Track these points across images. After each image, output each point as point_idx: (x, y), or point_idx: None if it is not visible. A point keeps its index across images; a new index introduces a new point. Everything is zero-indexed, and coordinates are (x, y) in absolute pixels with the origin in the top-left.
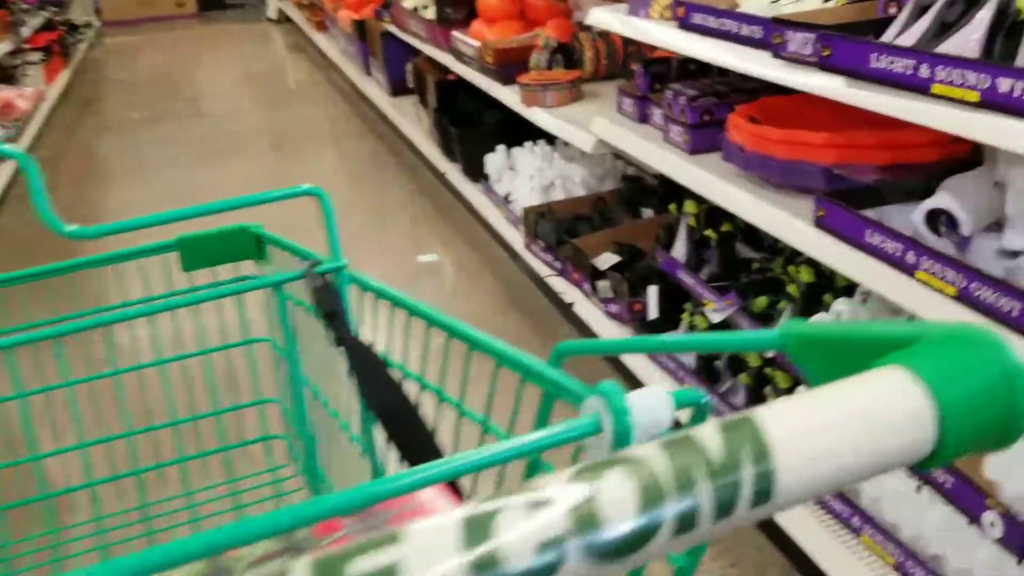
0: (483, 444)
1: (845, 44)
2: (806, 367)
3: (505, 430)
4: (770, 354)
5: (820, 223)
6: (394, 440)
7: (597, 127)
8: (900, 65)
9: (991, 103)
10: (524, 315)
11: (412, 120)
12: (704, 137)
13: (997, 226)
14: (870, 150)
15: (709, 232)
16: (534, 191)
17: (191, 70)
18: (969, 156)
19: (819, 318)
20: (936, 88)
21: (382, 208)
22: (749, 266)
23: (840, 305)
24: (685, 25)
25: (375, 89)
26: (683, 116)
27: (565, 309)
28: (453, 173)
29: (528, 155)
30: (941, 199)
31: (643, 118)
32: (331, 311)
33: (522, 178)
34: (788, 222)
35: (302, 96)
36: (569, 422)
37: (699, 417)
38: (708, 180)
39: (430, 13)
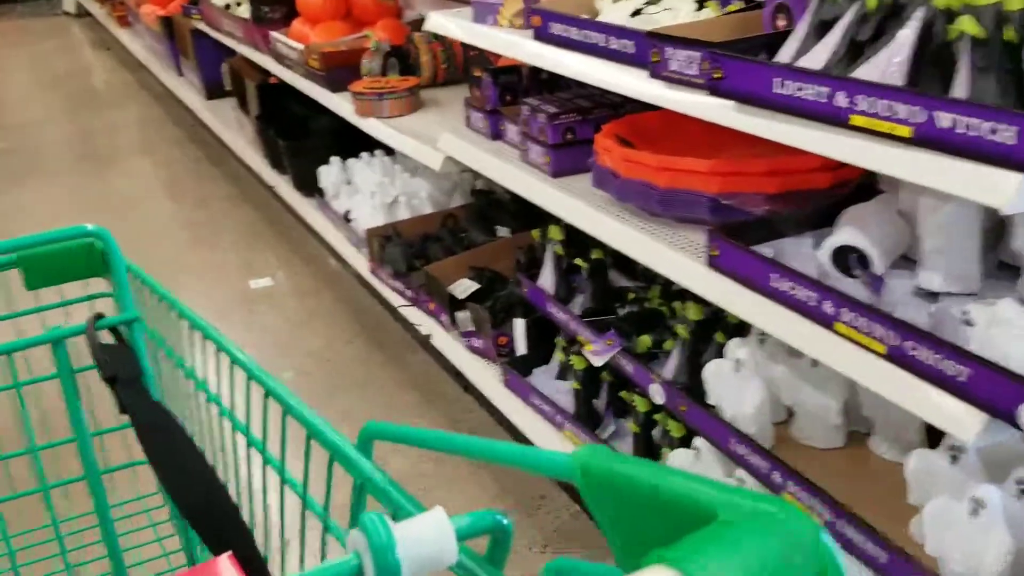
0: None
1: (741, 66)
2: (596, 510)
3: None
4: (659, 400)
5: (715, 263)
6: (193, 524)
7: (446, 144)
8: (811, 92)
9: (927, 139)
10: (374, 344)
11: (233, 126)
12: (568, 158)
13: (904, 260)
14: (759, 177)
15: (579, 261)
16: (376, 209)
17: None
18: (861, 180)
19: (714, 366)
20: (856, 120)
21: (207, 226)
22: (624, 295)
23: (737, 349)
24: (542, 36)
25: (189, 92)
26: (543, 135)
27: (421, 335)
28: (284, 187)
29: (367, 168)
30: (849, 235)
31: (496, 134)
32: (113, 375)
33: (363, 194)
34: (677, 261)
35: (110, 100)
36: (328, 564)
37: (500, 545)
38: (578, 208)
39: (244, 11)
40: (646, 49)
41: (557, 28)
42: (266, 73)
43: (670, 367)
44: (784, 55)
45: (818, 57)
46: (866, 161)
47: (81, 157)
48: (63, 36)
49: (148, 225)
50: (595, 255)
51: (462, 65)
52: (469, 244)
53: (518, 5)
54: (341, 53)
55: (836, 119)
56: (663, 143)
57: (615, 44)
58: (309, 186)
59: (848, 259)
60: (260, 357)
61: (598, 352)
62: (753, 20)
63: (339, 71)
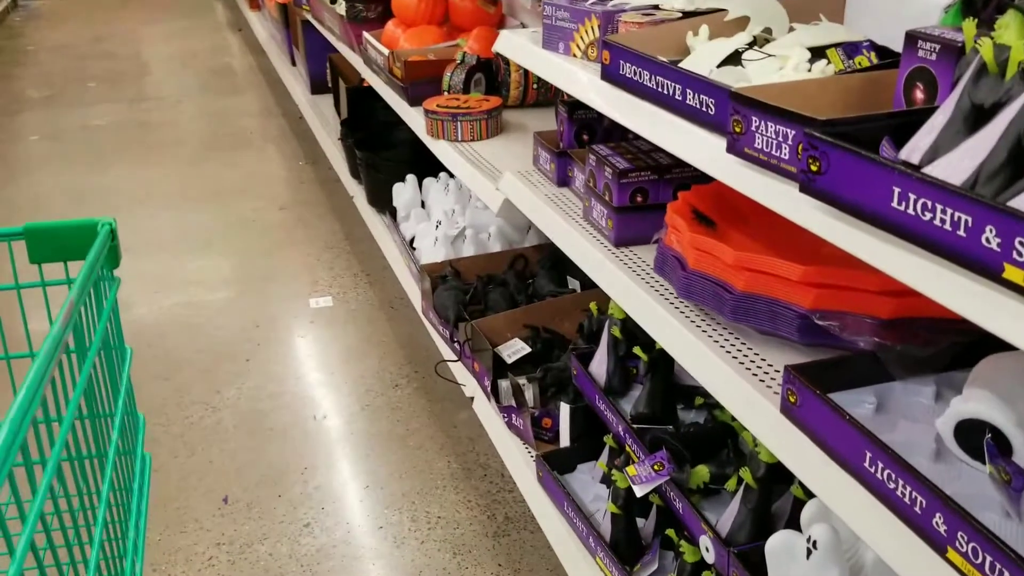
0: None
1: (849, 160)
2: None
3: None
4: (709, 557)
5: (791, 412)
6: None
7: (507, 186)
8: (947, 220)
9: None
10: (422, 392)
11: (329, 125)
12: (635, 225)
13: None
14: (869, 296)
15: (639, 351)
16: (439, 242)
17: (118, 47)
18: None
19: (781, 541)
20: (1013, 273)
21: (282, 231)
22: (691, 397)
23: (815, 525)
24: (610, 76)
25: (297, 84)
26: (608, 193)
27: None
28: (360, 199)
29: (440, 191)
30: (982, 404)
31: (563, 180)
32: None
33: (430, 221)
34: (745, 393)
35: (228, 84)
36: None
37: None
38: (636, 293)
39: (343, 7)
40: (727, 112)
41: (627, 69)
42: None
43: (728, 518)
44: (915, 148)
45: (964, 163)
46: (1020, 335)
47: (179, 143)
48: (205, 15)
49: (223, 222)
50: (659, 346)
51: (556, 88)
52: (535, 294)
53: (595, 33)
54: (427, 63)
55: (982, 266)
56: (755, 226)
57: (692, 100)
58: (382, 203)
59: (979, 437)
60: (293, 393)
61: (642, 479)
62: (883, 85)
63: (422, 83)
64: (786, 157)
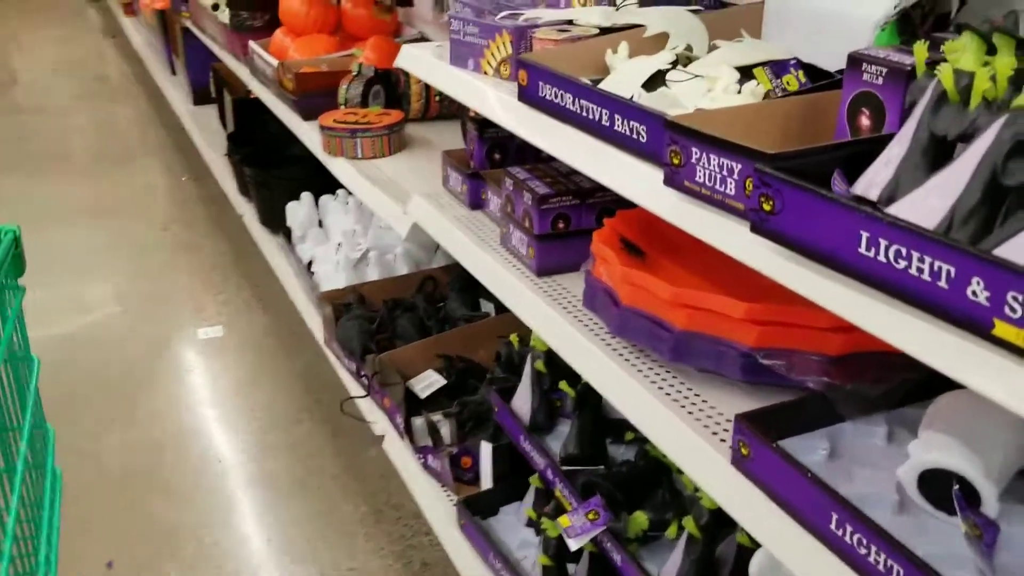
0: None
1: (809, 201)
2: None
3: None
4: None
5: (742, 465)
6: None
7: (416, 210)
8: (925, 270)
9: None
10: (327, 428)
11: (215, 139)
12: (558, 253)
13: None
14: (815, 332)
15: (565, 387)
16: (341, 266)
17: None
18: None
19: None
20: (1004, 330)
21: (166, 252)
22: (621, 432)
23: (766, 572)
24: (529, 98)
25: (178, 94)
26: (527, 220)
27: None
28: (251, 218)
29: (339, 210)
30: (945, 453)
31: (476, 203)
32: None
33: (331, 241)
34: (691, 442)
35: (100, 94)
36: None
37: None
38: (562, 328)
39: (226, 15)
40: (662, 142)
41: (547, 91)
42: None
43: (671, 569)
44: (871, 183)
45: (933, 202)
46: (1015, 396)
47: (53, 157)
48: (76, 22)
49: (101, 243)
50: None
51: None
52: (446, 318)
53: (507, 50)
54: (320, 75)
55: (968, 321)
56: (686, 254)
57: (621, 126)
58: (275, 222)
59: (944, 486)
60: (183, 435)
61: (577, 531)
62: (821, 109)
63: (315, 96)
64: (732, 193)
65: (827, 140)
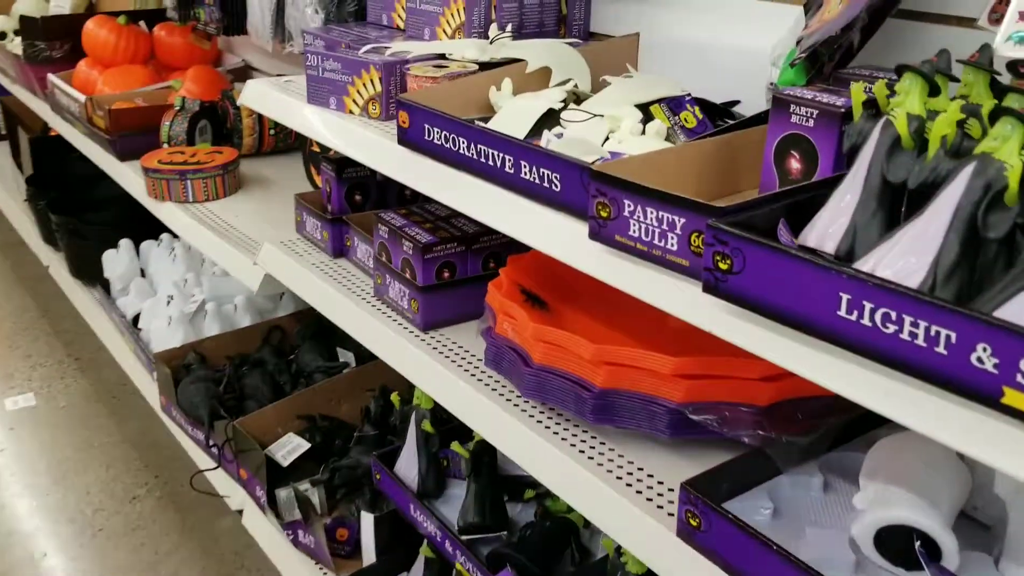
0: None
1: (774, 260)
2: None
3: None
4: None
5: (692, 538)
6: None
7: (268, 260)
8: (920, 335)
9: None
10: (169, 502)
11: (10, 181)
12: (443, 304)
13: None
14: (746, 383)
15: (458, 448)
16: (175, 322)
17: None
18: None
19: None
20: (1014, 398)
21: None
22: (520, 490)
23: None
24: (411, 142)
25: None
26: (409, 270)
27: None
28: (58, 267)
29: (165, 257)
30: (904, 510)
31: (339, 250)
32: None
33: (160, 293)
34: (626, 512)
35: None
36: None
37: None
38: (456, 387)
39: (18, 46)
40: (583, 192)
41: (436, 135)
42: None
43: None
44: (825, 236)
45: (910, 260)
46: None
47: None
48: None
49: None
50: (479, 437)
51: (296, 132)
52: (300, 372)
53: (376, 87)
54: (136, 111)
55: (972, 390)
56: (588, 299)
57: (530, 174)
58: (90, 274)
59: (899, 541)
60: None
61: None
62: (739, 149)
63: (133, 135)
64: (674, 248)
65: (748, 183)
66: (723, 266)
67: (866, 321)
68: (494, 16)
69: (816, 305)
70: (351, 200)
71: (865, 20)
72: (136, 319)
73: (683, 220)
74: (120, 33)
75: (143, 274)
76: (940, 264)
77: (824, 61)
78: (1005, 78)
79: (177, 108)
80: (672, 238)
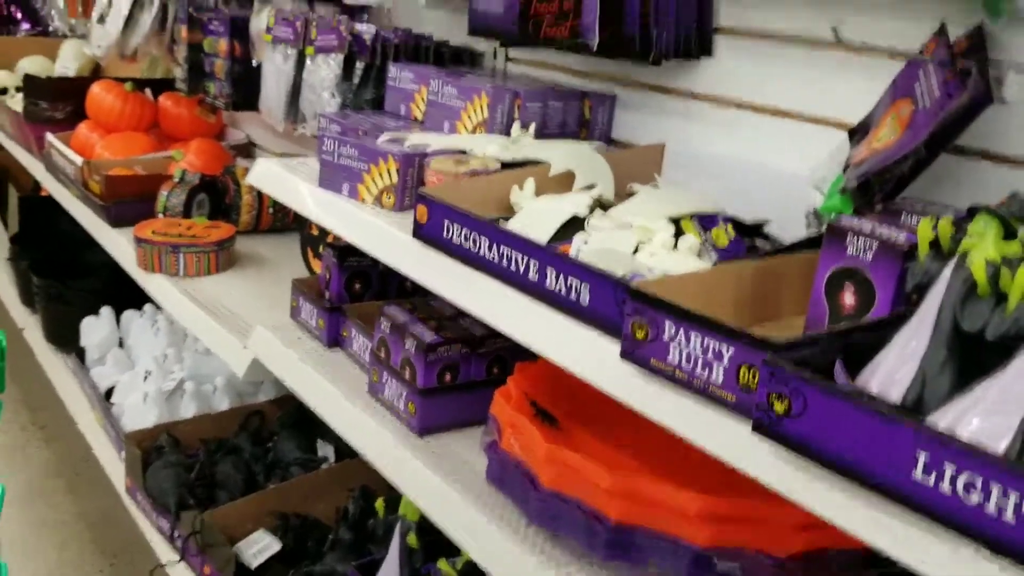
0: None
1: (842, 409)
2: None
3: None
4: None
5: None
6: None
7: (259, 344)
8: (999, 506)
9: None
10: None
11: None
12: (442, 409)
13: None
14: (778, 530)
15: (444, 566)
16: (151, 399)
17: None
18: None
19: None
20: None
21: None
22: None
23: None
24: (428, 237)
25: None
26: (408, 370)
27: None
28: (34, 331)
29: (147, 329)
30: None
31: (335, 340)
32: None
33: (138, 367)
34: None
35: None
36: None
37: None
38: (454, 502)
39: (18, 102)
40: (614, 306)
41: (455, 232)
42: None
43: None
44: (890, 381)
45: (997, 420)
46: None
47: None
48: None
49: None
50: (467, 556)
51: (295, 212)
52: (276, 462)
53: (392, 178)
54: (134, 179)
55: None
56: (601, 418)
57: (555, 283)
58: (66, 340)
59: None
60: None
61: None
62: (779, 275)
63: (128, 203)
64: (719, 381)
65: (789, 311)
66: (779, 407)
67: (945, 486)
68: (517, 114)
69: (888, 462)
70: (351, 289)
71: (923, 154)
72: (110, 392)
73: (732, 350)
74: (125, 99)
75: (122, 345)
76: None
77: (875, 191)
78: None
79: (176, 179)
80: (718, 369)
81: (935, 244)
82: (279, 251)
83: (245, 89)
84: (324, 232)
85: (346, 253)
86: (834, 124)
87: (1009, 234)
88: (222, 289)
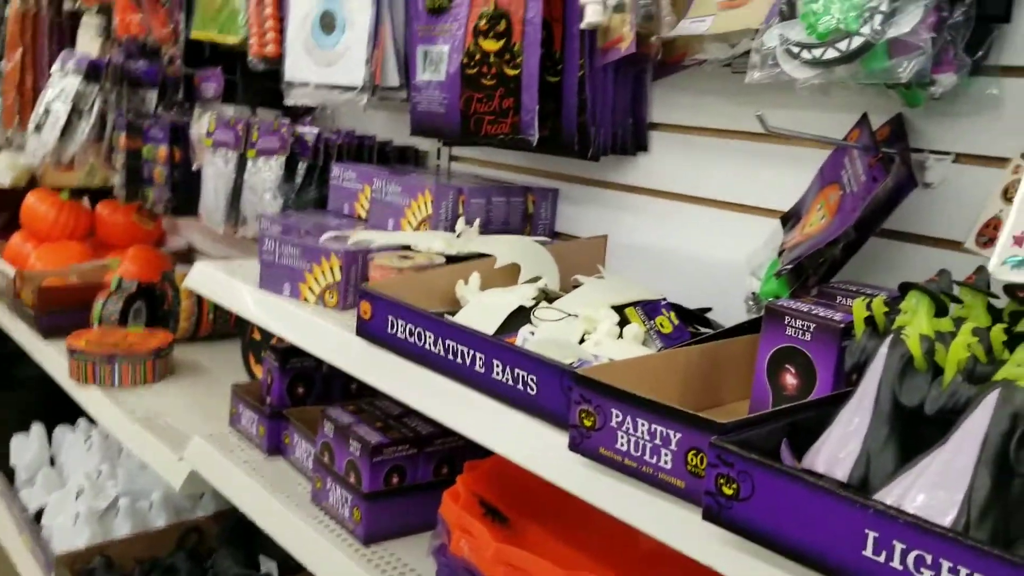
0: None
1: (789, 490)
2: None
3: None
4: None
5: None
6: None
7: (196, 454)
8: None
9: None
10: None
11: None
12: (389, 514)
13: None
14: None
15: None
16: (82, 519)
17: None
18: None
19: None
20: None
21: None
22: None
23: None
24: (372, 334)
25: None
26: (353, 474)
27: None
28: None
29: (79, 444)
30: None
31: (275, 447)
32: None
33: (70, 484)
34: None
35: None
36: None
37: None
38: None
39: None
40: (563, 397)
41: (400, 327)
42: None
43: None
44: (834, 460)
45: (939, 495)
46: None
47: None
48: None
49: None
50: None
51: (236, 316)
52: None
53: (335, 276)
54: (69, 289)
55: None
56: (552, 513)
57: (501, 374)
58: None
59: None
60: None
61: None
62: (721, 359)
63: (60, 313)
64: (668, 466)
65: (732, 395)
66: (728, 491)
67: (896, 564)
68: (461, 210)
69: (838, 542)
70: (293, 393)
71: (852, 236)
72: (40, 514)
73: (679, 435)
74: (60, 208)
75: (53, 463)
76: (973, 501)
77: (809, 274)
78: (1000, 301)
79: (113, 288)
80: (666, 454)
81: (870, 322)
82: (219, 358)
83: (185, 194)
84: (266, 337)
85: (288, 355)
86: (766, 212)
87: (940, 310)
88: (159, 399)
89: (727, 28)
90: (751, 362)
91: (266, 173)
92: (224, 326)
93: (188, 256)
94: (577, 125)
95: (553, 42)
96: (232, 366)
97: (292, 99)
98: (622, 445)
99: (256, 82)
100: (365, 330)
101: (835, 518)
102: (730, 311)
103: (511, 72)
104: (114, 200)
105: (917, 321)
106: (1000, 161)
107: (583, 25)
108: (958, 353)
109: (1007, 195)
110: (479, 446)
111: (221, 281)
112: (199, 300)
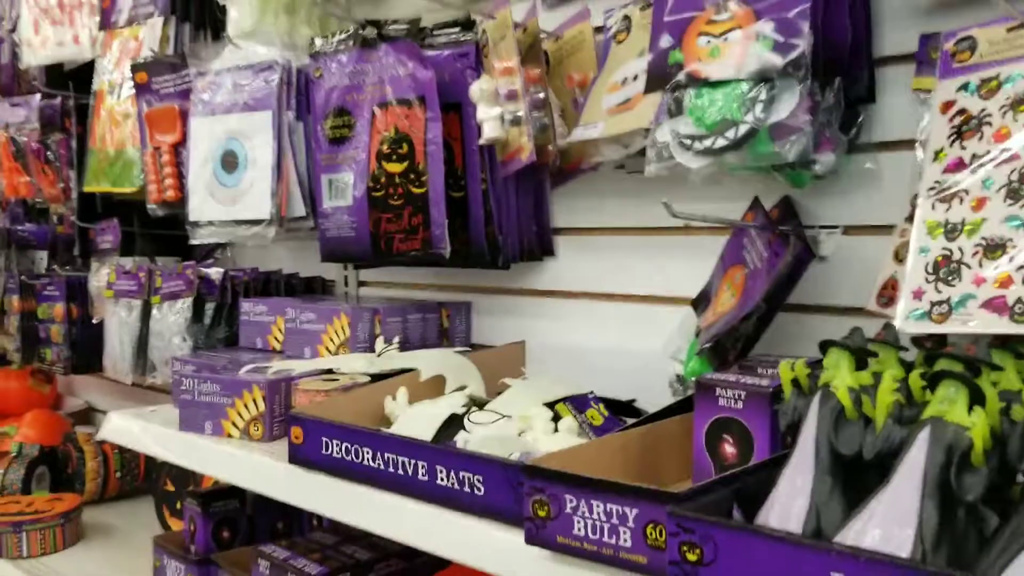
0: None
1: (755, 546)
2: None
3: None
4: None
5: None
6: None
7: None
8: None
9: None
10: None
11: None
12: None
13: None
14: None
15: None
16: None
17: None
18: None
19: None
20: None
21: None
22: None
23: None
24: (305, 459)
25: None
26: None
27: None
28: None
29: None
30: None
31: None
32: None
33: None
34: None
35: None
36: None
37: None
38: None
39: None
40: (511, 492)
41: (335, 448)
42: None
43: None
44: (787, 516)
45: (894, 531)
46: None
47: None
48: None
49: None
50: None
51: (144, 472)
52: None
53: (258, 407)
54: None
55: None
56: None
57: (446, 479)
58: None
59: None
60: None
61: None
62: (659, 438)
63: None
64: (628, 544)
65: (671, 476)
66: (691, 557)
67: None
68: (379, 330)
69: None
70: (218, 538)
71: (763, 309)
72: None
73: (636, 511)
74: None
75: None
76: (924, 534)
77: (728, 349)
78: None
79: (13, 454)
80: (624, 532)
81: (796, 383)
82: (129, 517)
83: (85, 350)
84: (180, 488)
85: (210, 499)
86: (675, 300)
87: (860, 364)
88: (72, 567)
89: (619, 130)
90: (686, 441)
91: (172, 317)
92: (132, 483)
93: (87, 416)
94: (485, 235)
95: (454, 159)
96: (144, 522)
97: (198, 238)
98: (579, 530)
99: (155, 228)
100: (298, 455)
101: (800, 565)
102: (653, 397)
103: (417, 191)
104: (6, 366)
105: (841, 375)
106: (886, 229)
107: (482, 141)
108: (886, 398)
109: (898, 257)
110: (422, 567)
111: (137, 429)
112: (105, 460)
